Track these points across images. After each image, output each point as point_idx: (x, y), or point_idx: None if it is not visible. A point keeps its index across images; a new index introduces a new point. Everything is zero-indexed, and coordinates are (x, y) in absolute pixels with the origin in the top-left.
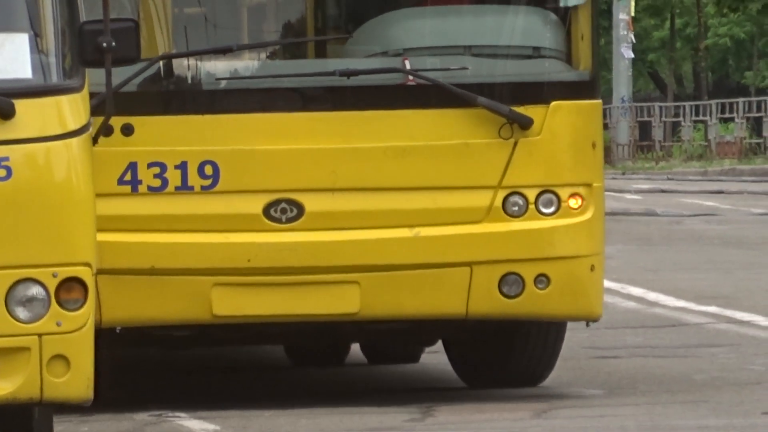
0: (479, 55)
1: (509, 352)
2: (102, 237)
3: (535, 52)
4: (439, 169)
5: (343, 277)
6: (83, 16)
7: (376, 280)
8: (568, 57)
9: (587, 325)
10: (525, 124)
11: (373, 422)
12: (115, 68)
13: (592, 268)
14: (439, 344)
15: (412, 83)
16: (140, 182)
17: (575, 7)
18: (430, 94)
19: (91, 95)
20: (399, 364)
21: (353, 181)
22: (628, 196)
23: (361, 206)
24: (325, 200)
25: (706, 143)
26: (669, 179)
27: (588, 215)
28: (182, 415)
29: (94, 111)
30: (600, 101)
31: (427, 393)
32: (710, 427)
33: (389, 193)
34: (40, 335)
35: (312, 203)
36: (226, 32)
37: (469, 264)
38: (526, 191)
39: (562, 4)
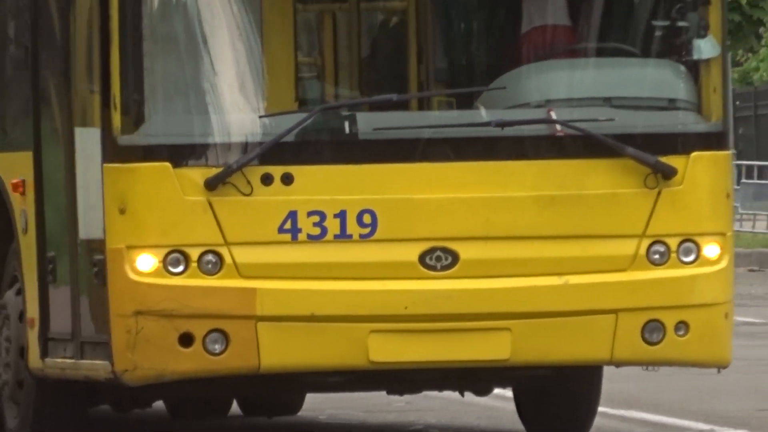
0: (618, 106)
1: (561, 399)
2: (263, 284)
3: (671, 104)
4: (588, 217)
5: (496, 324)
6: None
7: (526, 327)
8: (700, 108)
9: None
10: (669, 173)
11: None
12: (275, 118)
13: (726, 315)
14: None
15: (561, 134)
16: (300, 230)
17: (707, 60)
18: (579, 145)
19: (254, 145)
20: (277, 416)
21: (506, 230)
22: None
23: (513, 254)
24: (479, 248)
25: None
26: None
27: (723, 264)
28: None
29: (255, 161)
30: (732, 152)
31: None
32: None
33: (540, 242)
34: None
35: (466, 251)
36: (380, 83)
37: (614, 311)
38: (668, 240)
39: (695, 57)
